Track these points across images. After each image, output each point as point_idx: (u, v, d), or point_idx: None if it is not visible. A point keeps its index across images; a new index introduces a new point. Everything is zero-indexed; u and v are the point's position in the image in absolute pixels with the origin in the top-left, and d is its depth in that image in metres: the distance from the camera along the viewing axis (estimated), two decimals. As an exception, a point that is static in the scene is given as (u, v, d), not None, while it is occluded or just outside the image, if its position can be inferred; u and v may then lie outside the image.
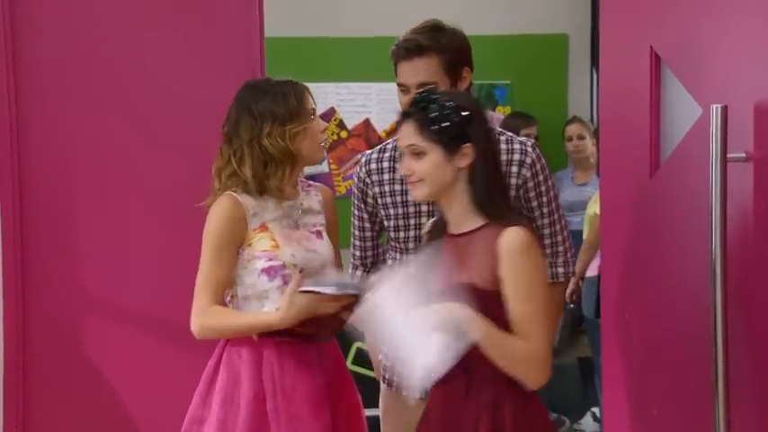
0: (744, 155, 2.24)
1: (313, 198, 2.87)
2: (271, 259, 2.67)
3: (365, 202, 3.00)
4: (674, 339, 2.67)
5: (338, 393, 2.77)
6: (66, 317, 3.32)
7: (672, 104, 2.76)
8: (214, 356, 2.72)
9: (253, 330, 2.66)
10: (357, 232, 3.06)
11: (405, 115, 2.46)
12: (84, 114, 3.31)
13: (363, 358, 5.61)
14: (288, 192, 2.76)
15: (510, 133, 3.00)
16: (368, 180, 2.97)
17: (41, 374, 3.30)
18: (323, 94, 6.30)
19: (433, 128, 2.39)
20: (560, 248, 3.02)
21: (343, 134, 6.42)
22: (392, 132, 6.67)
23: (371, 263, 3.08)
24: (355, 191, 3.03)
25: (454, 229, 2.48)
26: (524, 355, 2.33)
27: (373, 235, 3.06)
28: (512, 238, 2.36)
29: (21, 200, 3.27)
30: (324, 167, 6.34)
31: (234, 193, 2.68)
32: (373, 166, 2.96)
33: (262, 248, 2.68)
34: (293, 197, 2.79)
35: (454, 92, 2.75)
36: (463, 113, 2.41)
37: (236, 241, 2.68)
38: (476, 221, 2.45)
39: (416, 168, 2.41)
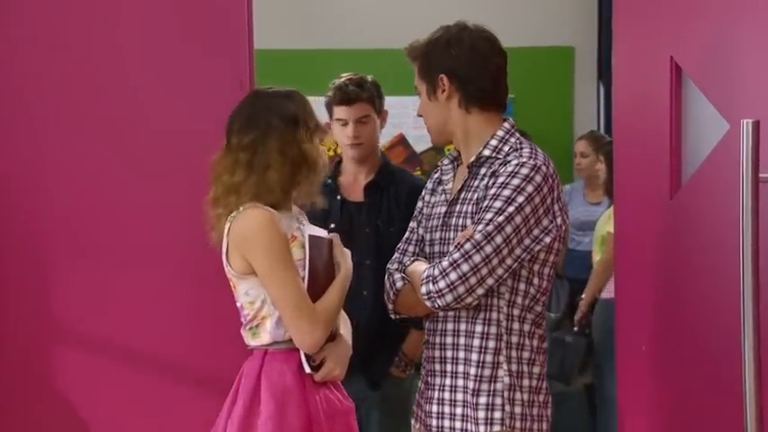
0: (778, 174, 2.13)
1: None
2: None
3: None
4: (700, 374, 2.59)
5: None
6: (37, 349, 3.15)
7: (694, 119, 2.68)
8: (248, 383, 2.58)
9: (344, 290, 2.67)
10: (410, 237, 2.82)
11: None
12: (62, 129, 3.17)
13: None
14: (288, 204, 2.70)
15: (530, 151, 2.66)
16: (428, 185, 2.86)
17: (9, 408, 3.12)
18: (318, 109, 6.13)
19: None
20: (450, 257, 2.52)
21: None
22: (391, 148, 6.60)
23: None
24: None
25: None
26: None
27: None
28: None
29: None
30: (320, 183, 6.19)
31: (257, 207, 2.58)
32: (435, 176, 2.84)
33: (297, 258, 2.60)
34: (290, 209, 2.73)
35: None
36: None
37: (289, 251, 2.59)
38: None
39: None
